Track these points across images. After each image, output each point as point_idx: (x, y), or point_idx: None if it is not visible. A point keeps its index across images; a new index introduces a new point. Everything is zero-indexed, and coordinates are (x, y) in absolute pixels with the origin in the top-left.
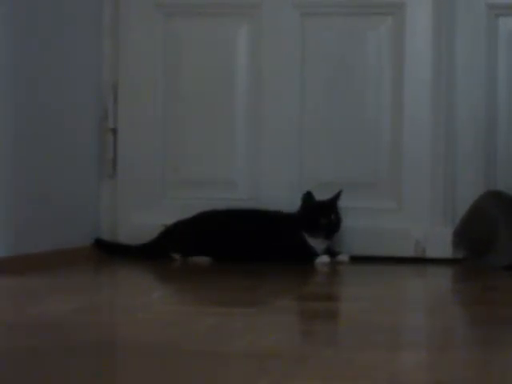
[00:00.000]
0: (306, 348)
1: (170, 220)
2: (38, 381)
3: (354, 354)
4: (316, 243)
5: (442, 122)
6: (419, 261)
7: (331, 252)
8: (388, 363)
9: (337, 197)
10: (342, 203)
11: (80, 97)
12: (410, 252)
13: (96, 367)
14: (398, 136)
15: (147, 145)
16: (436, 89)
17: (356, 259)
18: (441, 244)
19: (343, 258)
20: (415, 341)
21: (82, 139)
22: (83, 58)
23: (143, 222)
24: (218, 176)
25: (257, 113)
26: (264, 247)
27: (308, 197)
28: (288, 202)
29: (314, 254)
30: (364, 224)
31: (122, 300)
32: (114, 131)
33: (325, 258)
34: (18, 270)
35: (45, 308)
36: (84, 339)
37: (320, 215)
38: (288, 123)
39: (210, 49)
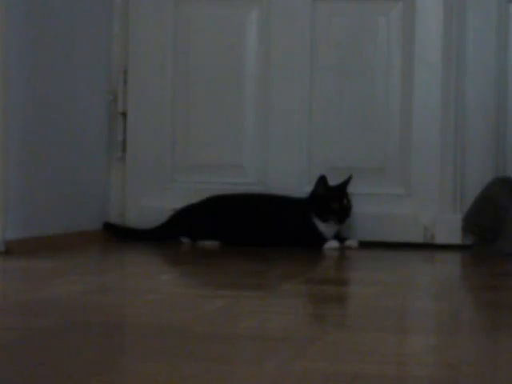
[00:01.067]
0: (314, 330)
1: (178, 204)
2: (47, 361)
3: (361, 336)
4: (326, 228)
5: (451, 107)
6: (428, 247)
7: (340, 237)
8: (396, 346)
9: (347, 182)
10: (351, 189)
11: (90, 80)
12: (418, 238)
13: (105, 348)
14: (407, 121)
15: (156, 129)
16: (446, 74)
17: (365, 245)
18: (450, 230)
19: (352, 243)
20: (423, 325)
21: (91, 123)
22: (94, 42)
23: (152, 206)
24: (227, 160)
25: (266, 97)
26: (273, 232)
27: (321, 181)
28: (296, 186)
29: (323, 239)
30: (373, 209)
31: (130, 282)
32: (124, 115)
33: (334, 243)
34: (27, 252)
35: (54, 289)
36: (93, 320)
37: (332, 200)
38: (297, 108)
39: (220, 33)
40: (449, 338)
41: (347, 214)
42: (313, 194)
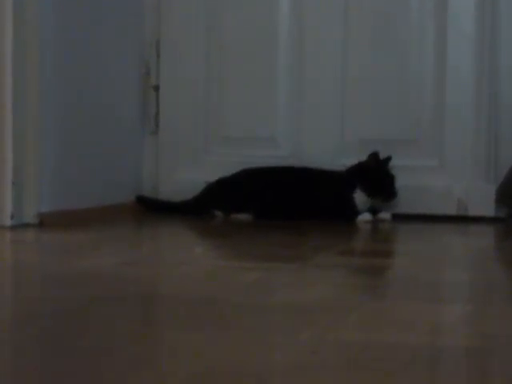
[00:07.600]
0: (349, 301)
1: (211, 177)
2: (82, 332)
3: (396, 307)
4: (361, 201)
5: (484, 76)
6: (461, 219)
7: (373, 210)
8: (431, 316)
9: (387, 161)
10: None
11: (122, 54)
12: (452, 210)
13: (140, 319)
14: (440, 92)
15: (189, 101)
16: (479, 43)
17: (398, 217)
18: (483, 202)
19: (385, 215)
20: (458, 295)
21: (124, 96)
22: (126, 15)
23: (185, 179)
24: (260, 133)
25: (299, 69)
26: (306, 204)
27: (374, 157)
28: (330, 159)
29: (356, 212)
30: (406, 182)
31: (164, 255)
32: (157, 88)
33: (367, 216)
34: (61, 225)
35: (88, 262)
36: (127, 292)
37: (385, 177)
38: (331, 79)
39: (252, 4)
40: (484, 308)
41: (396, 193)
42: (361, 167)
